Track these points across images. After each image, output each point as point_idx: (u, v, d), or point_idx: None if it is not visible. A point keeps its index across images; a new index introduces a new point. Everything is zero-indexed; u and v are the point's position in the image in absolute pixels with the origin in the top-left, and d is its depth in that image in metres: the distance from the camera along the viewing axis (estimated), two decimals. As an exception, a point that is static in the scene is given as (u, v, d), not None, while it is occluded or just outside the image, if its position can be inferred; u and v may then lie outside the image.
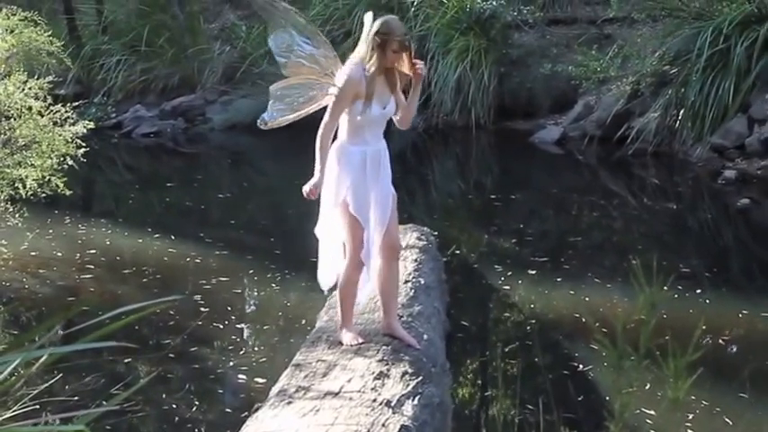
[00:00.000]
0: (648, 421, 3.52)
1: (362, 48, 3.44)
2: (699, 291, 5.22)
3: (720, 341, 4.48)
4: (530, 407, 3.75)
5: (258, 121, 3.83)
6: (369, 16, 3.51)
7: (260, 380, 4.13)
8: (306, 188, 3.44)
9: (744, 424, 3.68)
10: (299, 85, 3.74)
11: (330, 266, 3.65)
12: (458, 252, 6.33)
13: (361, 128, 3.46)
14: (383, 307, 3.58)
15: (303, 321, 4.84)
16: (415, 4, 11.65)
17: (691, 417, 3.61)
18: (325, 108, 3.58)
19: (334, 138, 3.52)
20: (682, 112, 9.09)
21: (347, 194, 3.45)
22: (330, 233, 3.60)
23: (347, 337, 3.49)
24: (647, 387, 3.54)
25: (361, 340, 3.47)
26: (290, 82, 3.77)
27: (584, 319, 4.77)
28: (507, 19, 11.49)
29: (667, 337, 3.80)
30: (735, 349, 4.51)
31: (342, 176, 3.45)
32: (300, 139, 3.61)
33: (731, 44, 8.74)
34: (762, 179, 8.08)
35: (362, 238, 3.46)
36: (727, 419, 3.66)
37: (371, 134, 3.50)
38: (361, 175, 3.45)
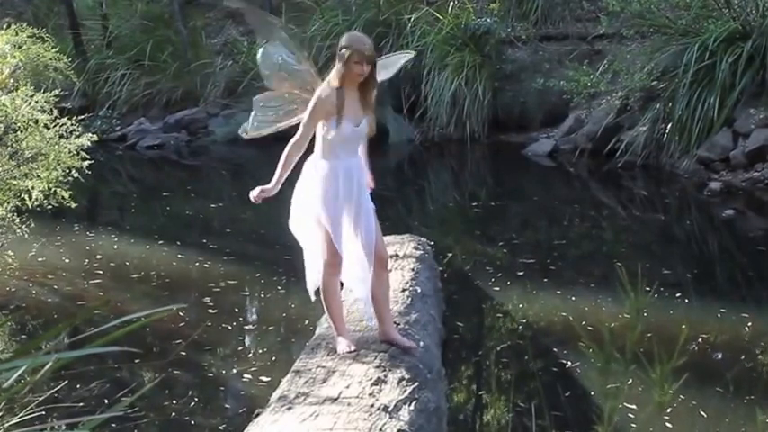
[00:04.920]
0: (630, 416, 3.62)
1: (334, 68, 3.50)
2: (684, 296, 5.36)
3: (704, 343, 4.61)
4: (522, 409, 3.85)
5: (239, 130, 3.92)
6: (406, 56, 3.67)
7: (263, 385, 4.18)
8: (254, 192, 3.50)
9: (723, 419, 3.83)
10: (281, 99, 3.82)
11: (314, 272, 3.70)
12: (453, 260, 6.42)
13: (334, 144, 3.49)
14: (377, 315, 3.61)
15: (306, 322, 4.90)
16: (412, 20, 11.85)
17: (670, 411, 3.70)
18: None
19: (310, 153, 3.58)
20: (669, 125, 9.20)
21: (319, 207, 3.49)
22: (308, 241, 3.67)
23: (341, 345, 3.52)
24: (629, 383, 3.65)
25: (354, 348, 3.48)
26: (272, 95, 3.86)
27: (573, 322, 4.86)
28: (501, 35, 11.67)
29: (650, 335, 4.01)
30: (716, 350, 4.62)
31: (314, 190, 3.50)
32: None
33: (716, 60, 8.85)
34: (746, 191, 8.20)
35: (334, 250, 3.49)
36: (703, 413, 3.80)
37: (344, 150, 3.52)
38: (332, 188, 3.48)
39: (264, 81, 3.87)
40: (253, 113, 3.91)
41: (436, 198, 9.75)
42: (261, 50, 3.87)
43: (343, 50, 3.43)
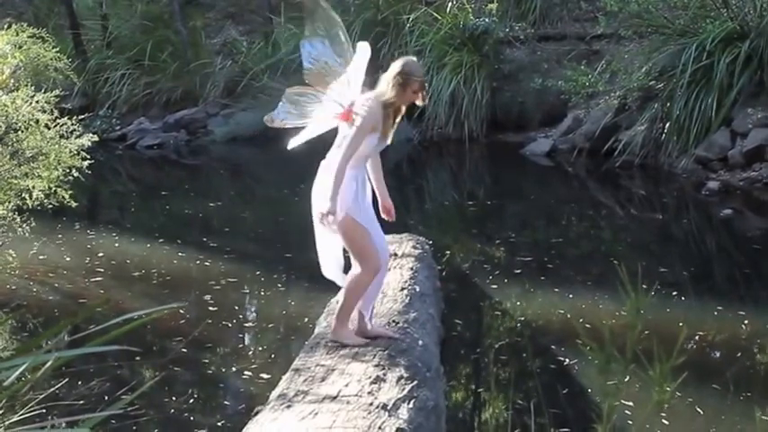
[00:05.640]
0: (628, 413, 3.65)
1: (383, 85, 3.55)
2: (682, 295, 5.40)
3: (701, 341, 4.66)
4: (521, 407, 3.87)
5: (265, 117, 3.87)
6: (364, 46, 3.61)
7: (262, 383, 4.20)
8: (322, 212, 3.44)
9: (721, 417, 3.86)
10: (313, 95, 3.79)
11: (336, 260, 3.73)
12: (451, 259, 6.46)
13: (365, 157, 3.59)
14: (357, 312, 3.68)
15: (305, 320, 4.93)
16: (411, 20, 11.89)
17: (668, 409, 3.71)
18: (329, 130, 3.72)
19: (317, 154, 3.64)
20: (667, 125, 9.24)
21: (351, 210, 3.50)
22: (327, 237, 3.66)
23: (350, 338, 3.58)
24: (627, 380, 3.67)
25: (361, 341, 3.57)
26: (306, 90, 3.82)
27: (571, 320, 4.89)
28: (499, 35, 11.73)
29: (647, 332, 4.01)
30: (714, 349, 4.68)
31: (342, 196, 3.48)
32: (297, 151, 3.82)
33: (714, 60, 8.90)
34: (744, 190, 8.24)
35: (375, 244, 3.55)
36: (700, 411, 3.84)
37: (366, 161, 3.65)
38: (362, 194, 3.56)
39: (304, 73, 3.84)
40: (281, 103, 3.88)
41: (435, 197, 9.80)
42: (306, 42, 3.83)
43: (408, 77, 3.53)
